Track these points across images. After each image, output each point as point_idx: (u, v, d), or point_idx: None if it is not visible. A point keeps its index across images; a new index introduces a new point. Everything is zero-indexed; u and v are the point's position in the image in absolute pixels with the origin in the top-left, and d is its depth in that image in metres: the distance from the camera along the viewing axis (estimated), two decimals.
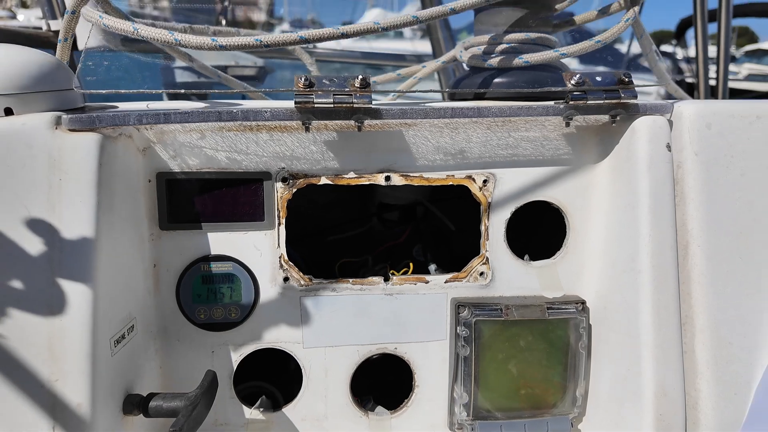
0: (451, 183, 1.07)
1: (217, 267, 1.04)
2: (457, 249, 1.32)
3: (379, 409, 1.15)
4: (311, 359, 1.09)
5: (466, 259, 1.10)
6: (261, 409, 1.10)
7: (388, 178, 1.05)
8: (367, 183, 1.05)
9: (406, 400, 1.14)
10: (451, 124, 1.03)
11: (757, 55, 13.37)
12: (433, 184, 1.07)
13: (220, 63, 2.88)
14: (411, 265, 1.17)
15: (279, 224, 1.04)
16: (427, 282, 1.09)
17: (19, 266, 0.81)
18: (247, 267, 1.04)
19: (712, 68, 2.77)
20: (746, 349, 0.96)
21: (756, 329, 0.96)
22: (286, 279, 1.05)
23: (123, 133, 0.94)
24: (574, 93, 0.99)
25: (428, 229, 1.49)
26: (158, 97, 2.45)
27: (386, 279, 1.08)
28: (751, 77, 10.97)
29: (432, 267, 1.32)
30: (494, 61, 1.20)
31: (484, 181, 1.07)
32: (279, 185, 1.03)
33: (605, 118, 1.02)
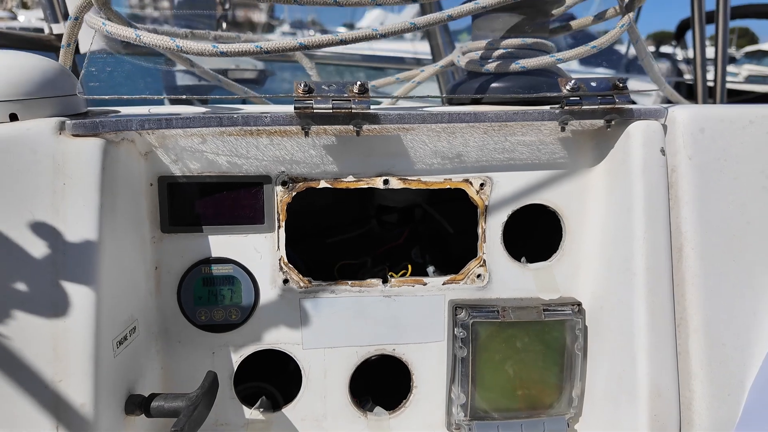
0: (448, 186, 1.08)
1: (217, 269, 1.05)
2: (454, 251, 1.33)
3: (378, 409, 1.16)
4: (310, 360, 1.10)
5: (463, 261, 1.11)
6: (261, 410, 1.11)
7: (386, 182, 1.06)
8: (366, 186, 1.07)
9: (404, 401, 1.15)
10: (449, 129, 1.04)
11: (757, 57, 13.37)
12: (431, 187, 1.08)
13: (221, 66, 2.89)
14: (409, 267, 1.18)
15: (279, 227, 1.05)
16: (425, 284, 1.10)
17: (24, 269, 0.83)
18: (248, 269, 1.05)
19: (711, 70, 2.76)
20: (740, 349, 0.97)
21: (749, 330, 0.97)
22: (285, 281, 1.06)
23: (125, 137, 0.95)
24: (570, 98, 1.00)
25: (426, 231, 1.50)
26: (160, 102, 2.47)
27: (385, 281, 1.09)
28: (750, 79, 10.96)
29: (430, 269, 1.33)
30: (491, 66, 1.21)
31: (481, 185, 1.08)
32: (279, 189, 1.04)
33: (600, 122, 1.04)
